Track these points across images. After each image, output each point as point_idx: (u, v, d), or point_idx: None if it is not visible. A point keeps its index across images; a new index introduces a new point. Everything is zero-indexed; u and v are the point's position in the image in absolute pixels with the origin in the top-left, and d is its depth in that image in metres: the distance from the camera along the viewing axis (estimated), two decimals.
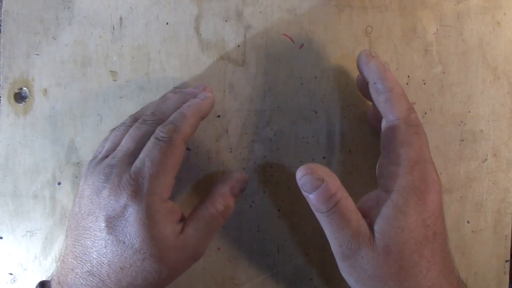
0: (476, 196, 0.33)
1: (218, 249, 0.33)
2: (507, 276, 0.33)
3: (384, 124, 0.27)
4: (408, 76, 0.33)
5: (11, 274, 0.33)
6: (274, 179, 0.33)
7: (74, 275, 0.25)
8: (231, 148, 0.33)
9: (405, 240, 0.24)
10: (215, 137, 0.33)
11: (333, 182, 0.25)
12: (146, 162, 0.25)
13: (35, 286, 0.27)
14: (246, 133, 0.33)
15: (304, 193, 0.26)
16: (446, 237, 0.26)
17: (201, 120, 0.28)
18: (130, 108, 0.33)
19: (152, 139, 0.26)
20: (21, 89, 0.33)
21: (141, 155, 0.26)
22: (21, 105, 0.33)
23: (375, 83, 0.27)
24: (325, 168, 0.26)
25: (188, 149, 0.33)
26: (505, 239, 0.33)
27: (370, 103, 0.31)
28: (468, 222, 0.33)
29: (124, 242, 0.25)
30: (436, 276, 0.24)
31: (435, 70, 0.33)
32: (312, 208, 0.26)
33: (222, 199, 0.28)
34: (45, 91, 0.33)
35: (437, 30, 0.33)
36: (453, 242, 0.33)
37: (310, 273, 0.33)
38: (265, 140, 0.33)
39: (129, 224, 0.24)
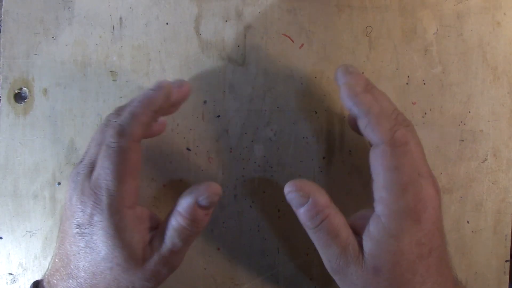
0: (476, 196, 0.33)
1: (218, 249, 0.33)
2: (507, 276, 0.33)
3: (371, 148, 0.25)
4: (408, 76, 0.33)
5: (11, 274, 0.33)
6: (274, 179, 0.33)
7: (59, 275, 0.26)
8: (231, 148, 0.33)
9: (396, 262, 0.23)
10: (215, 137, 0.33)
11: (320, 199, 0.25)
12: (101, 172, 0.25)
13: (30, 286, 0.27)
14: (246, 133, 0.33)
15: (293, 209, 0.26)
16: (444, 248, 0.25)
17: (158, 112, 0.26)
18: None
19: (104, 147, 0.25)
20: (21, 89, 0.33)
21: (97, 165, 0.25)
22: (21, 105, 0.33)
23: (351, 110, 0.25)
24: (313, 184, 0.26)
25: (188, 149, 0.33)
26: (505, 239, 0.33)
27: None
28: (468, 222, 0.33)
29: (93, 249, 0.25)
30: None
31: (435, 70, 0.33)
32: (302, 223, 0.26)
33: (187, 213, 0.26)
34: (45, 91, 0.33)
35: (437, 30, 0.33)
36: (453, 242, 0.33)
37: (310, 273, 0.33)
38: (265, 140, 0.33)
39: (96, 232, 0.24)
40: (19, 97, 0.33)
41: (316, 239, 0.25)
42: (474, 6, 0.33)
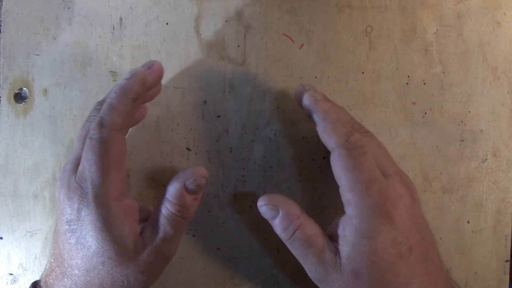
0: (476, 196, 0.33)
1: (218, 249, 0.33)
2: (507, 276, 0.33)
3: (330, 154, 0.26)
4: (408, 76, 0.33)
5: (11, 274, 0.33)
6: (274, 179, 0.33)
7: (54, 275, 0.26)
8: (231, 148, 0.33)
9: (372, 263, 0.23)
10: (215, 137, 0.33)
11: (291, 210, 0.26)
12: (85, 165, 0.25)
13: (28, 286, 0.28)
14: (246, 133, 0.33)
15: (269, 221, 0.27)
16: (428, 245, 0.25)
17: (136, 100, 0.26)
18: None
19: (87, 140, 0.25)
20: (21, 89, 0.33)
21: (82, 159, 0.25)
22: (21, 105, 0.33)
23: (310, 117, 0.27)
24: (283, 197, 0.27)
25: (188, 149, 0.33)
26: (505, 239, 0.33)
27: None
28: (468, 222, 0.33)
29: (84, 245, 0.25)
30: None
31: (435, 70, 0.33)
32: (278, 235, 0.27)
33: (175, 198, 0.26)
34: (45, 91, 0.33)
35: (437, 30, 0.33)
36: (453, 242, 0.33)
37: None
38: (265, 140, 0.33)
39: (84, 227, 0.24)
40: (19, 97, 0.33)
41: (293, 250, 0.26)
42: (474, 6, 0.33)
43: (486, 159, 0.33)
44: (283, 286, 0.33)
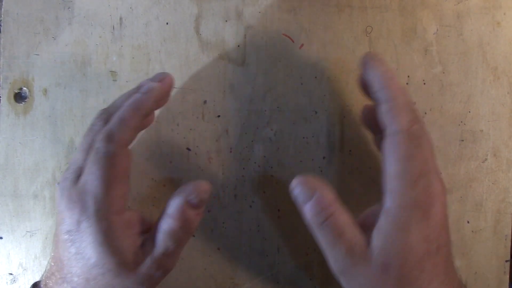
0: (476, 196, 0.33)
1: (218, 249, 0.33)
2: (507, 276, 0.33)
3: (385, 136, 0.25)
4: (408, 76, 0.33)
5: (11, 274, 0.33)
6: (274, 179, 0.33)
7: (54, 279, 0.26)
8: (231, 148, 0.33)
9: (405, 257, 0.23)
10: (215, 137, 0.33)
11: (327, 195, 0.25)
12: (88, 178, 0.24)
13: (29, 287, 0.28)
14: (246, 133, 0.33)
15: (299, 205, 0.26)
16: (450, 247, 0.25)
17: (147, 115, 0.26)
18: None
19: (92, 152, 0.25)
20: (21, 89, 0.33)
21: (85, 171, 0.25)
22: (21, 105, 0.33)
23: (377, 92, 0.25)
24: (321, 181, 0.25)
25: (188, 149, 0.33)
26: (505, 239, 0.33)
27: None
28: (468, 222, 0.33)
29: (83, 256, 0.24)
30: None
31: (435, 70, 0.33)
32: (306, 221, 0.25)
33: (177, 214, 0.25)
34: (45, 91, 0.33)
35: (437, 30, 0.33)
36: (453, 242, 0.33)
37: (310, 273, 0.33)
38: (265, 140, 0.33)
39: (85, 238, 0.24)
40: (19, 97, 0.33)
41: (321, 237, 0.25)
42: (474, 6, 0.33)
43: (486, 159, 0.33)
44: (283, 286, 0.33)
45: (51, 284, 0.26)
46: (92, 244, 0.24)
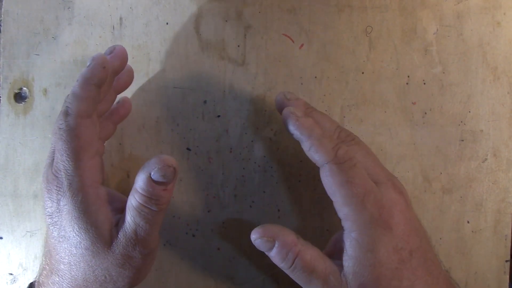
0: (476, 196, 0.33)
1: (218, 249, 0.33)
2: (507, 276, 0.33)
3: (319, 168, 0.26)
4: (408, 76, 0.33)
5: (11, 274, 0.33)
6: (274, 179, 0.33)
7: (45, 273, 0.26)
8: (231, 148, 0.33)
9: (378, 274, 0.23)
10: (215, 137, 0.33)
11: (287, 237, 0.25)
12: (57, 154, 0.25)
13: (26, 287, 0.28)
14: (246, 133, 0.33)
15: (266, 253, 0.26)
16: (426, 246, 0.25)
17: (100, 86, 0.26)
18: None
19: (56, 130, 0.25)
20: (21, 89, 0.33)
21: (54, 150, 0.26)
22: (21, 105, 0.33)
23: (292, 134, 0.26)
24: (276, 226, 0.26)
25: (188, 149, 0.33)
26: (505, 239, 0.33)
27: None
28: (468, 222, 0.33)
29: (64, 236, 0.25)
30: None
31: (435, 70, 0.33)
32: (278, 266, 0.26)
33: (142, 189, 0.24)
34: (45, 91, 0.33)
35: (437, 30, 0.33)
36: (453, 242, 0.33)
37: None
38: (265, 140, 0.33)
39: (63, 217, 0.25)
40: (19, 97, 0.33)
41: (296, 278, 0.25)
42: (474, 6, 0.33)
43: (486, 159, 0.33)
44: (283, 286, 0.33)
45: (42, 279, 0.26)
46: (69, 221, 0.24)
